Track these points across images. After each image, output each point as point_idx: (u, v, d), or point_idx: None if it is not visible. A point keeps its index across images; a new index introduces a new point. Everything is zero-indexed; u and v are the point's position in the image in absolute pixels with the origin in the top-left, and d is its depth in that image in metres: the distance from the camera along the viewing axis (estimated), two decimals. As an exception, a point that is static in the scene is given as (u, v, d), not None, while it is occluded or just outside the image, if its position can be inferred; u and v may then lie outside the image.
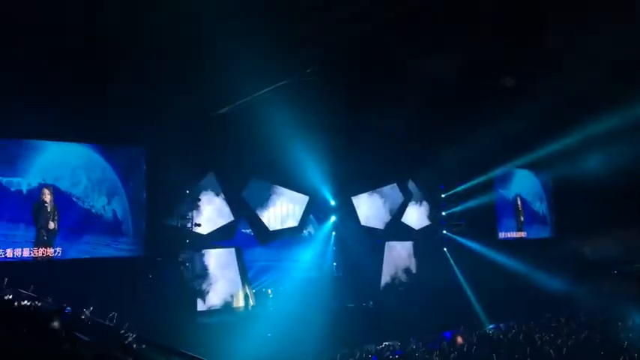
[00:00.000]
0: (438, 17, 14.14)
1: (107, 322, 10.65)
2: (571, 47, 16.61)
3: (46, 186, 16.97)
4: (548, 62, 17.79)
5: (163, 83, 15.45)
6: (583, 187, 26.05)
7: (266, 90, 16.85)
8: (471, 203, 26.18)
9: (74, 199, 17.44)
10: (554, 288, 23.77)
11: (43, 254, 16.67)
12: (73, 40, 13.80)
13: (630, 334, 18.62)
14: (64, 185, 17.25)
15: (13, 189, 16.43)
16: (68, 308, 9.59)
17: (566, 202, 28.35)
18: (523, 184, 29.53)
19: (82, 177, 17.58)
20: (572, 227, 27.99)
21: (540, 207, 30.03)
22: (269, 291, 21.50)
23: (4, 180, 16.30)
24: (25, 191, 16.62)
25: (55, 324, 7.21)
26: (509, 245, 27.32)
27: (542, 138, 23.83)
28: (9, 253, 16.16)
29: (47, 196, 16.98)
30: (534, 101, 19.23)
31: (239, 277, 21.03)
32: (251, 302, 20.97)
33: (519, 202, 29.31)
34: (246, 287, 21.07)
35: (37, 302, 10.82)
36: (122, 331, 9.68)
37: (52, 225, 16.95)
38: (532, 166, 27.23)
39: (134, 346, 9.07)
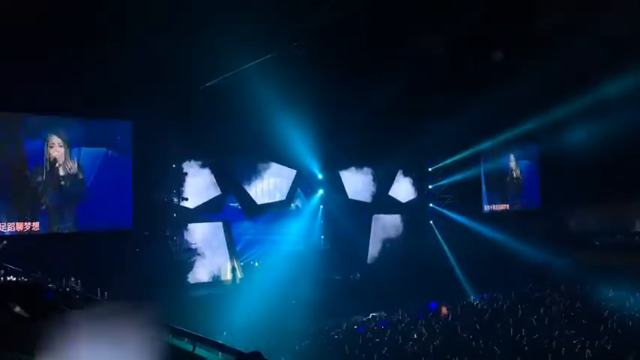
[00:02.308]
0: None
1: (96, 297, 10.73)
2: (560, 21, 16.60)
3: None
4: (537, 36, 17.79)
5: (150, 57, 15.24)
6: (569, 160, 26.31)
7: (253, 63, 16.69)
8: (458, 176, 26.41)
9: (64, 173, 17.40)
10: (538, 260, 24.18)
11: (27, 228, 16.65)
12: (61, 14, 13.54)
13: (610, 304, 19.10)
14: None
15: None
16: (51, 283, 9.66)
17: (552, 175, 28.61)
18: (509, 157, 29.70)
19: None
20: (557, 200, 28.35)
21: (526, 180, 30.29)
22: (256, 264, 21.68)
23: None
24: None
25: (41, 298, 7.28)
26: (495, 218, 27.65)
27: (529, 111, 23.93)
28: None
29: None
30: (522, 74, 19.25)
31: (227, 250, 21.17)
32: (239, 275, 21.15)
33: (505, 175, 29.54)
34: (234, 260, 21.21)
35: (23, 277, 10.85)
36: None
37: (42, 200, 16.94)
38: (519, 139, 27.38)
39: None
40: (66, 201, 17.40)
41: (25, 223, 16.61)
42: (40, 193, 17.00)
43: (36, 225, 16.78)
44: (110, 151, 18.11)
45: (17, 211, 16.62)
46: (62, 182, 17.36)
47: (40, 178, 16.99)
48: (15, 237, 16.22)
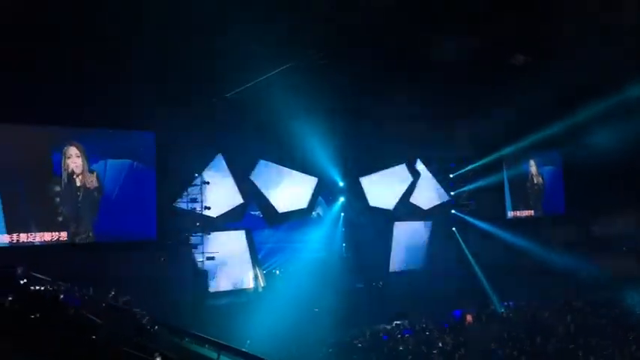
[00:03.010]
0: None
1: (120, 305, 10.82)
2: (583, 24, 16.40)
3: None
4: (560, 39, 17.58)
5: (172, 69, 15.47)
6: (593, 165, 25.83)
7: (274, 72, 16.81)
8: (481, 182, 26.12)
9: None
10: (564, 266, 23.76)
11: (55, 238, 16.94)
12: (84, 25, 13.83)
13: (638, 311, 18.67)
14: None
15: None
16: (78, 291, 9.77)
17: (576, 180, 28.13)
18: (533, 162, 29.31)
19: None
20: (582, 205, 27.84)
21: (550, 185, 29.84)
22: (277, 272, 21.71)
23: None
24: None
25: (67, 307, 7.36)
26: (519, 224, 27.25)
27: (552, 115, 23.60)
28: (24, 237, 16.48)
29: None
30: (545, 78, 19.03)
31: (249, 258, 21.23)
32: (261, 283, 21.19)
33: (529, 181, 29.16)
34: (257, 268, 21.27)
35: (50, 286, 11.00)
36: (135, 314, 9.84)
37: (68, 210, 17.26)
38: (542, 144, 27.02)
39: (148, 328, 9.23)
40: (91, 212, 17.64)
41: (53, 233, 16.90)
42: (66, 204, 17.28)
43: (64, 235, 17.06)
44: (135, 163, 18.36)
45: (46, 222, 16.91)
46: (84, 194, 17.58)
47: (65, 189, 17.27)
48: (44, 247, 16.51)
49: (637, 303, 19.79)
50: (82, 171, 17.54)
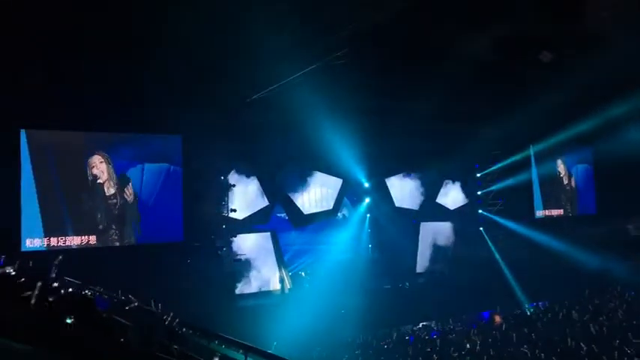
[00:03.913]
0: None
1: (151, 308, 10.96)
2: (611, 19, 16.02)
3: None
4: (589, 34, 17.20)
5: (197, 72, 15.62)
6: (625, 163, 25.23)
7: (298, 74, 16.84)
8: (508, 181, 25.76)
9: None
10: (595, 266, 23.28)
11: (85, 242, 17.29)
12: (108, 29, 14.07)
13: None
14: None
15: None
16: (107, 294, 9.90)
17: (608, 178, 27.51)
18: (563, 161, 28.79)
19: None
20: (614, 204, 27.22)
21: (581, 184, 29.26)
22: (302, 273, 21.77)
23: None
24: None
25: (99, 311, 7.46)
26: (548, 223, 26.79)
27: (582, 112, 23.13)
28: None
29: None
30: (574, 75, 18.65)
31: (275, 260, 21.34)
32: (287, 285, 21.27)
33: (559, 180, 28.64)
34: (283, 270, 21.36)
35: (82, 290, 11.19)
36: (165, 317, 9.96)
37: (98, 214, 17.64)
38: (572, 142, 26.50)
39: (178, 330, 9.33)
40: (120, 215, 17.97)
41: (83, 237, 17.25)
42: (97, 209, 17.63)
43: (93, 238, 17.40)
44: (172, 167, 18.68)
45: (77, 226, 17.28)
46: (114, 198, 17.91)
47: (95, 194, 17.63)
48: (73, 251, 16.86)
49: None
50: (109, 178, 17.84)
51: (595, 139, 26.24)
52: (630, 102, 21.94)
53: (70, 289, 10.63)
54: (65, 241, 16.98)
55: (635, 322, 17.48)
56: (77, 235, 17.17)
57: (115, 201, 17.92)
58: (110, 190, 17.87)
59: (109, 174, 17.85)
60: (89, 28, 13.80)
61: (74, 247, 16.97)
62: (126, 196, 18.09)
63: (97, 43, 14.23)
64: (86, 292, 10.49)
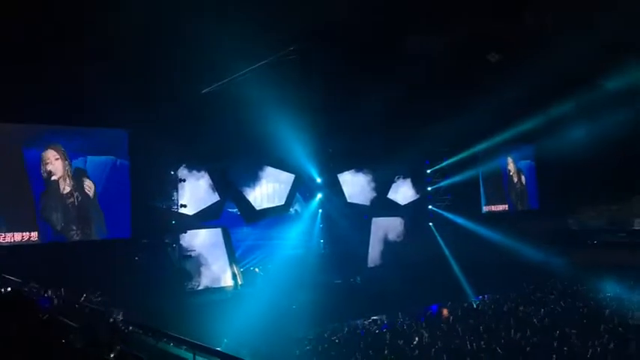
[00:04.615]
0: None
1: (95, 306, 10.67)
2: (556, 20, 16.62)
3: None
4: (533, 36, 17.79)
5: (145, 64, 15.23)
6: (567, 160, 26.28)
7: (251, 68, 16.69)
8: (456, 178, 26.40)
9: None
10: (538, 259, 24.15)
11: (26, 238, 16.62)
12: (58, 22, 13.56)
13: (611, 303, 19.05)
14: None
15: None
16: (49, 293, 9.59)
17: (551, 175, 28.58)
18: (507, 158, 29.69)
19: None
20: (555, 200, 28.33)
21: (524, 180, 30.29)
22: (256, 269, 21.65)
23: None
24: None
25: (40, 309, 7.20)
26: (494, 218, 27.62)
27: (527, 111, 23.92)
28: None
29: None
30: (519, 75, 19.25)
31: (226, 256, 21.13)
32: (239, 281, 21.11)
33: (503, 176, 29.54)
34: (234, 266, 21.18)
35: (22, 288, 10.79)
36: (111, 315, 9.71)
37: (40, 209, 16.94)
38: (516, 140, 27.38)
39: (124, 330, 9.11)
40: (64, 211, 17.34)
41: (24, 234, 16.56)
42: (39, 203, 16.96)
43: (34, 235, 16.74)
44: (119, 160, 18.17)
45: (16, 222, 16.57)
46: (60, 193, 17.29)
47: (38, 189, 16.95)
48: (13, 247, 16.17)
49: (608, 295, 20.19)
50: (63, 173, 17.25)
51: (538, 138, 27.19)
52: (572, 101, 22.88)
53: (9, 288, 10.23)
54: (4, 237, 16.27)
55: (573, 313, 18.27)
56: (16, 231, 16.44)
57: (71, 199, 17.33)
58: (66, 188, 17.23)
59: (64, 170, 17.20)
60: (29, 18, 13.24)
61: (12, 244, 16.24)
62: (84, 191, 17.55)
63: (38, 32, 13.69)
64: (26, 290, 10.13)
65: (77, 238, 17.40)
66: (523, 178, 30.24)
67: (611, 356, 13.93)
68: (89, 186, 17.70)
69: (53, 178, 17.14)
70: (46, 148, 17.13)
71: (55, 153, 17.23)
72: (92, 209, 17.73)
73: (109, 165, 18.09)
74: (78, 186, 17.56)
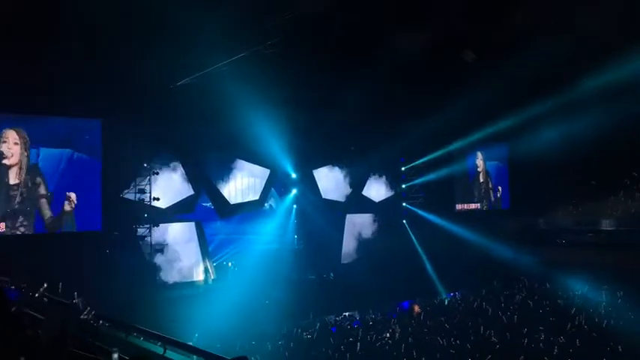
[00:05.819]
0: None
1: (64, 300, 10.48)
2: (532, 23, 16.85)
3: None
4: (508, 37, 18.00)
5: (120, 54, 14.96)
6: (538, 160, 26.74)
7: (226, 61, 16.54)
8: (430, 176, 26.63)
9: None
10: (508, 257, 24.55)
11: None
12: (28, 10, 13.20)
13: (577, 302, 19.49)
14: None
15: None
16: (12, 286, 9.39)
17: (522, 175, 29.08)
18: (480, 157, 30.07)
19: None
20: (526, 199, 28.83)
21: (496, 180, 30.73)
22: (229, 264, 21.54)
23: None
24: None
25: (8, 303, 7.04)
26: (466, 217, 27.98)
27: (500, 112, 24.24)
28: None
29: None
30: (493, 76, 19.49)
31: (199, 250, 20.95)
32: (212, 275, 20.97)
33: (476, 175, 29.93)
34: (207, 261, 21.02)
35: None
36: (80, 309, 9.56)
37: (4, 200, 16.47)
38: (489, 140, 27.74)
39: (93, 323, 8.98)
40: (29, 202, 16.92)
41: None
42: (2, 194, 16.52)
43: (2, 225, 16.34)
44: (76, 153, 17.66)
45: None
46: (21, 183, 16.79)
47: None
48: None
49: (575, 293, 20.66)
50: (19, 160, 16.67)
51: (512, 137, 27.60)
52: (545, 102, 23.23)
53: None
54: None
55: (541, 311, 18.66)
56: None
57: (20, 189, 16.76)
58: (15, 178, 16.63)
59: (20, 158, 16.70)
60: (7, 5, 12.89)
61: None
62: (34, 183, 16.99)
63: (15, 21, 13.34)
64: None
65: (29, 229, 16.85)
66: (495, 177, 30.67)
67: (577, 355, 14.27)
68: (40, 180, 17.08)
69: (4, 161, 16.45)
70: (9, 129, 16.48)
71: (16, 137, 16.58)
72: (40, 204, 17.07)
73: (67, 157, 17.50)
74: (29, 180, 16.87)
